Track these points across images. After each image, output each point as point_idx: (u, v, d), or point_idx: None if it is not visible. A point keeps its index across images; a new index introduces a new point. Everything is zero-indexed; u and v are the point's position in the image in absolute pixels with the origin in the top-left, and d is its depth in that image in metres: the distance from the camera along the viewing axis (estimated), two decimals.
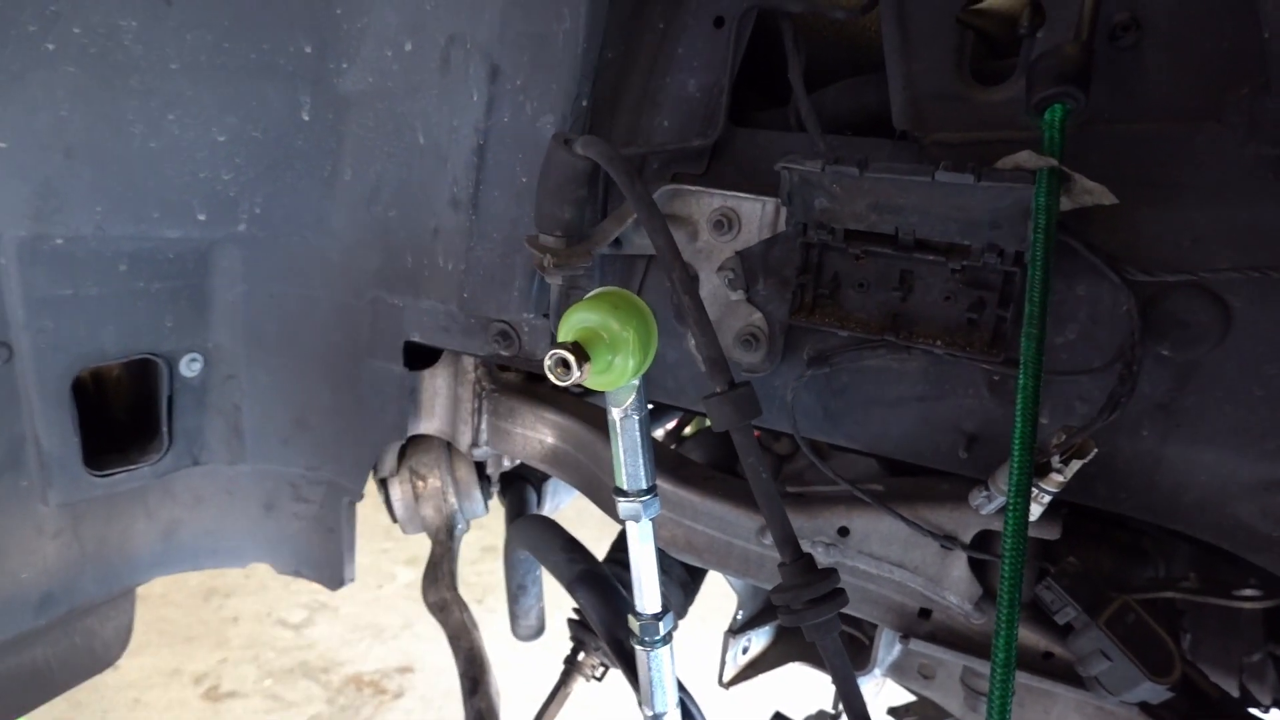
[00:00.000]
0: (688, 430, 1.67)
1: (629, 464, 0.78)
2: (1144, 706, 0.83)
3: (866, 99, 0.86)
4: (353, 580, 1.31)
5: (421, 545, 5.51)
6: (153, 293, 1.08)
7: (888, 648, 0.99)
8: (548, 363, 0.67)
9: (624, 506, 0.79)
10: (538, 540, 1.08)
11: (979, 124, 0.77)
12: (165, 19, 0.91)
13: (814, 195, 0.77)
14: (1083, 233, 0.70)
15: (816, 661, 1.15)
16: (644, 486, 0.79)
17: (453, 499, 1.22)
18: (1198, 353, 0.71)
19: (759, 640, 1.16)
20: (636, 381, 0.75)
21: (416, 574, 5.23)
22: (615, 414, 0.77)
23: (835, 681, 0.71)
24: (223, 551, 1.29)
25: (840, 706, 1.00)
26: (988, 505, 0.79)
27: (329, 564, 1.28)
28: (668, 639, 0.84)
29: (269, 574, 5.72)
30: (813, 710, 1.34)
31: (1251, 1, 0.61)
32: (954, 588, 0.87)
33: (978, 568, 0.87)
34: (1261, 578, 0.83)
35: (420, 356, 1.17)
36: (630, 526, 0.80)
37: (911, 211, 0.74)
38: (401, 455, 1.26)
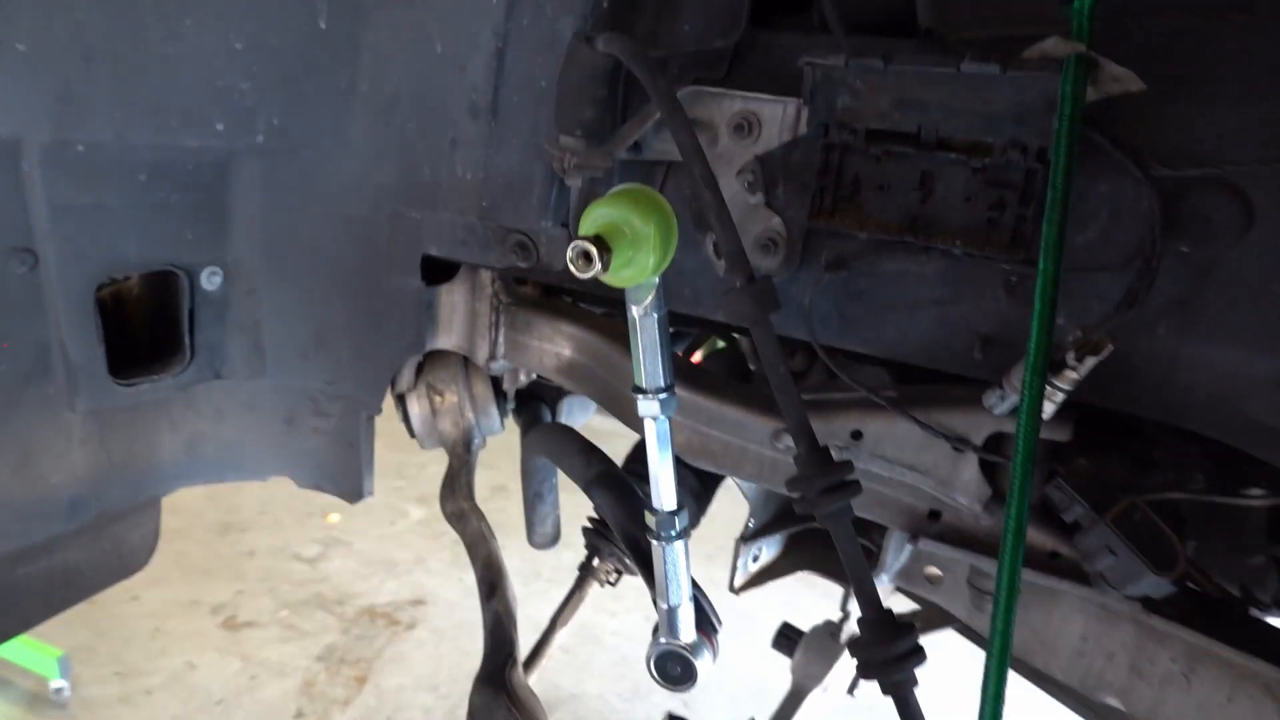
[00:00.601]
0: (696, 357, 1.69)
1: (648, 362, 0.80)
2: (1146, 602, 0.86)
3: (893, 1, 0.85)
4: (371, 494, 1.34)
5: (432, 485, 5.60)
6: (173, 204, 1.09)
7: (895, 553, 1.02)
8: (570, 254, 0.68)
9: (643, 404, 0.81)
10: (555, 445, 1.10)
11: (1006, 19, 0.76)
12: None
13: (837, 92, 0.77)
14: (1107, 127, 0.70)
15: (825, 570, 1.17)
16: (662, 384, 0.80)
17: (470, 414, 1.24)
18: (1218, 249, 0.72)
19: (769, 549, 1.18)
20: (656, 279, 0.76)
21: (429, 511, 5.32)
22: (635, 312, 0.78)
23: (848, 568, 0.73)
24: (244, 465, 1.32)
25: (848, 607, 1.03)
26: (1001, 405, 0.81)
27: (348, 477, 1.30)
28: (683, 535, 0.87)
29: (284, 510, 5.82)
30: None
31: None
32: (964, 489, 0.89)
33: (988, 470, 0.89)
34: (1267, 482, 0.84)
35: (438, 271, 1.18)
36: (648, 424, 0.82)
37: (935, 108, 0.73)
38: (419, 371, 1.28)
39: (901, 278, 0.86)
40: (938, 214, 0.80)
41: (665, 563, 0.87)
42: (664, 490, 0.84)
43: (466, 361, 1.26)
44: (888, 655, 0.71)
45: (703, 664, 0.90)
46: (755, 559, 1.16)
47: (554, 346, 1.12)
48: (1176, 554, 0.82)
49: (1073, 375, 0.75)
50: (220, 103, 1.03)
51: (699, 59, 0.87)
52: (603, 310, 1.20)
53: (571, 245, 0.68)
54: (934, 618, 1.14)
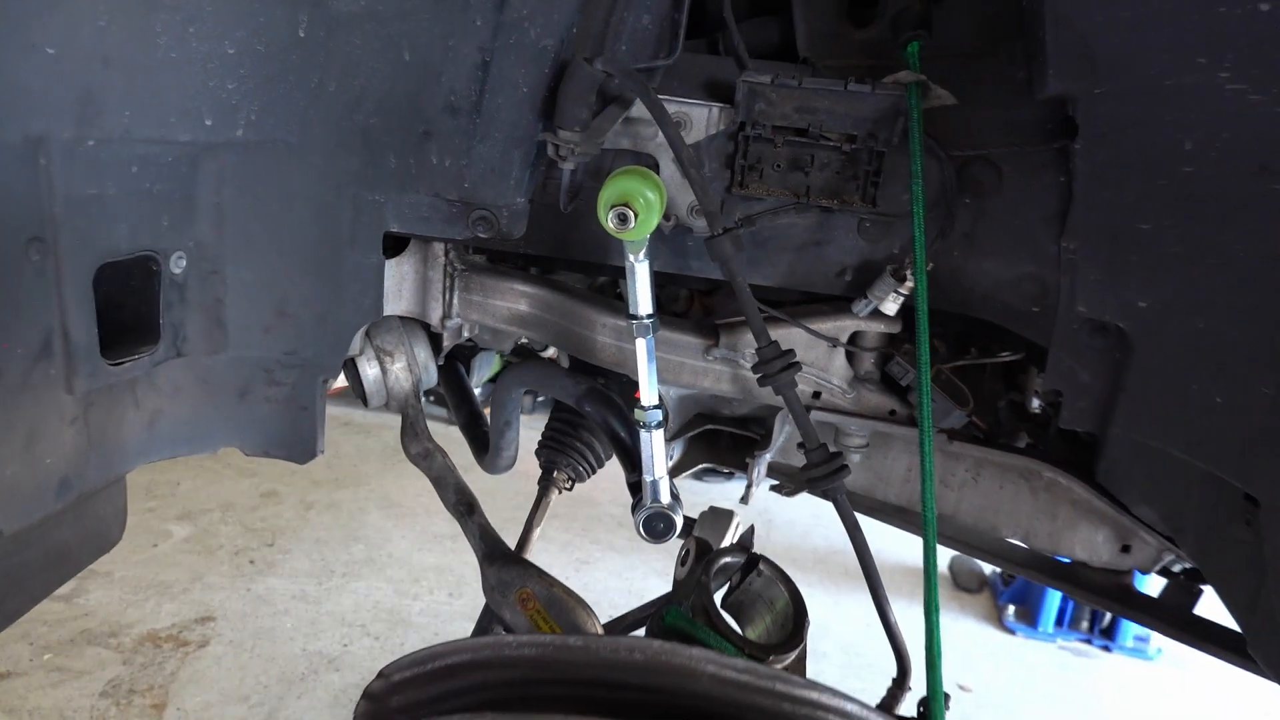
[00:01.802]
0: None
1: (640, 297, 1.11)
2: (950, 432, 1.32)
3: (769, 33, 1.23)
4: (323, 453, 1.49)
5: (190, 501, 5.26)
6: (155, 193, 1.19)
7: (779, 433, 1.41)
8: (612, 217, 0.98)
9: (637, 327, 1.12)
10: (542, 374, 1.36)
11: (853, 53, 1.16)
12: None
13: (756, 101, 1.12)
14: (925, 125, 1.13)
15: (718, 460, 1.55)
16: (650, 311, 1.12)
17: (416, 369, 1.44)
18: (985, 200, 1.18)
19: (678, 449, 1.53)
20: (649, 235, 1.08)
21: (193, 528, 5.03)
22: (632, 258, 1.09)
23: (796, 420, 1.11)
24: (196, 438, 1.41)
25: (748, 486, 1.40)
26: (864, 309, 1.22)
27: (300, 440, 1.45)
28: (660, 425, 1.19)
29: None
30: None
31: None
32: (836, 374, 1.30)
33: (849, 358, 1.31)
34: (1013, 346, 1.34)
35: (388, 246, 1.37)
36: (639, 342, 1.13)
37: (822, 112, 1.12)
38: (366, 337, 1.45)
39: (790, 228, 1.25)
40: (816, 183, 1.20)
41: (650, 446, 1.18)
42: (649, 391, 1.16)
43: (406, 323, 1.46)
44: (826, 472, 1.09)
45: (678, 519, 1.23)
46: (671, 458, 1.49)
47: (506, 302, 1.37)
48: (968, 397, 1.29)
49: (909, 284, 1.18)
50: (210, 100, 1.16)
51: (644, 73, 1.18)
52: (537, 271, 1.47)
53: (613, 210, 0.97)
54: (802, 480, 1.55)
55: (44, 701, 3.70)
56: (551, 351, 1.78)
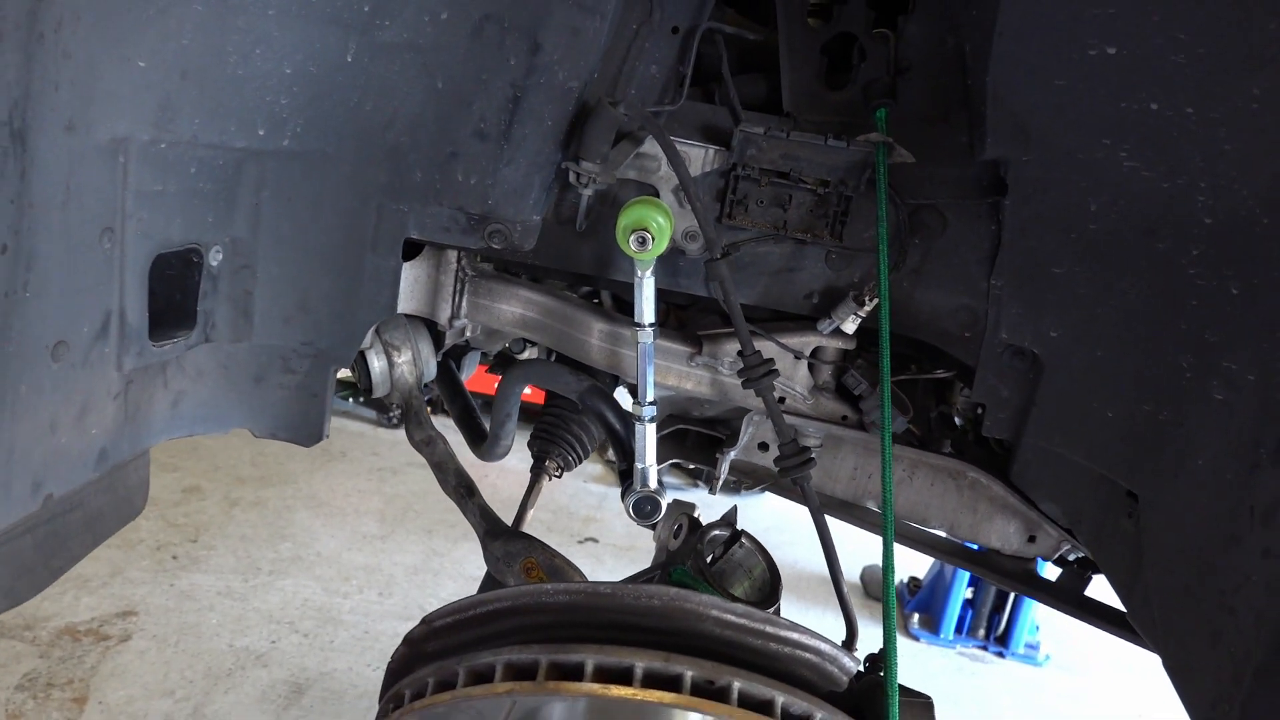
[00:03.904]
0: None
1: (645, 305, 1.29)
2: (894, 436, 1.54)
3: (759, 88, 1.44)
4: (327, 437, 1.62)
5: None
6: (205, 192, 1.31)
7: (746, 433, 1.61)
8: (633, 240, 1.16)
9: (641, 334, 1.30)
10: (546, 371, 1.52)
11: (828, 110, 1.38)
12: None
13: (749, 147, 1.33)
14: (888, 177, 1.35)
15: (685, 456, 1.74)
16: (653, 320, 1.30)
17: (420, 365, 1.59)
18: (931, 242, 1.41)
19: None
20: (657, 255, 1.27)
21: None
22: (641, 274, 1.27)
23: (771, 415, 1.31)
24: (212, 419, 1.52)
25: (715, 476, 1.59)
26: (829, 327, 1.44)
27: (307, 424, 1.58)
28: (654, 419, 1.37)
29: None
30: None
31: (963, 59, 1.29)
32: (799, 382, 1.51)
33: (811, 370, 1.52)
34: (947, 364, 1.57)
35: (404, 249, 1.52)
36: (641, 346, 1.31)
37: (803, 160, 1.33)
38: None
39: (768, 255, 1.45)
40: (793, 218, 1.41)
41: (643, 437, 1.37)
42: (647, 389, 1.34)
43: (411, 320, 1.61)
44: (796, 463, 1.29)
45: (664, 502, 1.41)
46: None
47: (511, 306, 1.53)
48: (908, 406, 1.51)
49: (867, 306, 1.40)
50: (265, 113, 1.30)
51: (652, 115, 1.37)
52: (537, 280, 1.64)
53: (635, 233, 1.16)
54: (762, 476, 1.75)
55: None
56: (529, 353, 1.94)
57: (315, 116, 1.36)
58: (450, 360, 1.77)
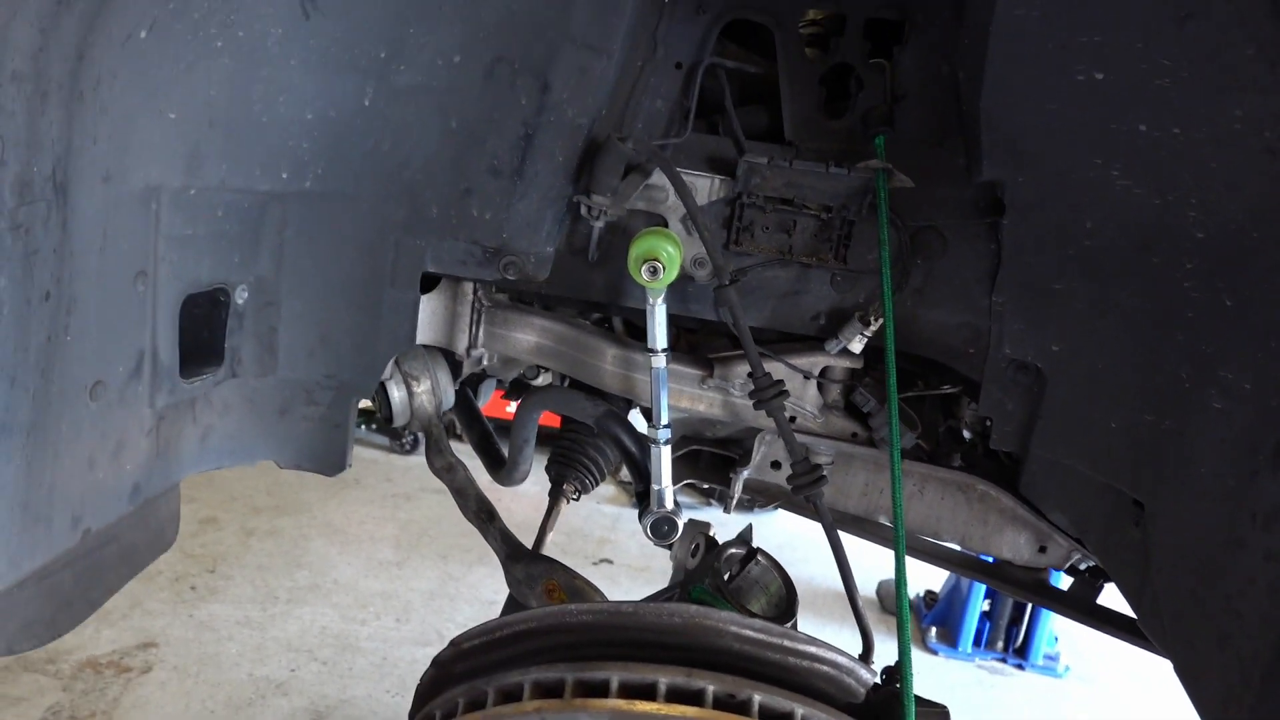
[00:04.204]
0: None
1: (658, 331, 1.33)
2: (903, 452, 1.58)
3: (760, 119, 1.49)
4: (350, 466, 1.66)
5: None
6: (231, 234, 1.37)
7: (758, 448, 1.65)
8: (644, 269, 1.21)
9: (655, 359, 1.34)
10: (563, 397, 1.56)
11: (828, 138, 1.43)
12: (301, 28, 1.24)
13: (753, 176, 1.38)
14: (889, 201, 1.40)
15: (700, 477, 1.78)
16: (665, 345, 1.35)
17: (438, 394, 1.63)
18: (933, 263, 1.45)
19: None
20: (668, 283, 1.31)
21: None
22: (653, 301, 1.32)
23: (784, 438, 1.34)
24: (240, 451, 1.57)
25: (730, 497, 1.63)
26: (836, 347, 1.48)
27: (331, 455, 1.62)
28: (669, 441, 1.41)
29: None
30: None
31: (958, 85, 1.34)
32: (809, 401, 1.55)
33: (820, 388, 1.56)
34: (953, 380, 1.61)
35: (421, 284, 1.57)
36: (655, 370, 1.35)
37: (806, 187, 1.38)
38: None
39: (775, 279, 1.50)
40: (797, 243, 1.45)
41: (659, 460, 1.41)
42: (661, 413, 1.38)
43: (429, 352, 1.65)
44: (809, 481, 1.33)
45: (681, 523, 1.45)
46: None
47: (526, 335, 1.58)
48: (916, 422, 1.55)
49: (873, 326, 1.44)
50: (288, 157, 1.35)
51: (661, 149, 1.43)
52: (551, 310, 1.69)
53: (647, 263, 1.20)
54: (775, 494, 1.78)
55: None
56: (543, 379, 1.98)
57: (335, 158, 1.42)
58: (467, 388, 1.82)
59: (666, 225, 1.45)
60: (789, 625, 1.24)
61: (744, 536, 1.39)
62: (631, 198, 1.36)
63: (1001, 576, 1.67)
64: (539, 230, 1.43)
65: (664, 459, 1.41)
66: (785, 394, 1.35)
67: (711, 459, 1.81)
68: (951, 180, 1.40)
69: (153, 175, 1.18)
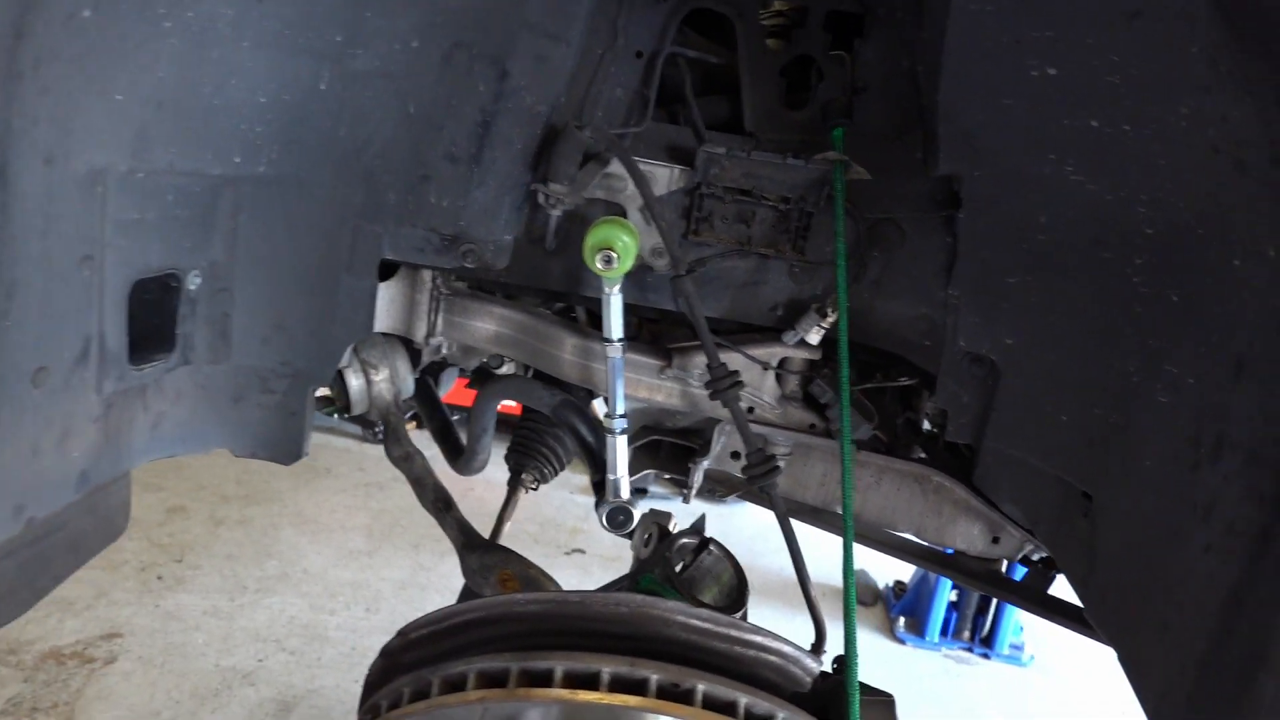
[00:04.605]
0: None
1: (614, 321, 1.33)
2: (859, 443, 1.59)
3: (721, 109, 1.48)
4: (307, 455, 1.64)
5: None
6: (182, 219, 1.34)
7: (717, 443, 1.65)
8: (599, 259, 1.20)
9: (610, 349, 1.34)
10: (519, 386, 1.55)
11: (789, 130, 1.43)
12: (253, 9, 1.22)
13: (712, 166, 1.37)
14: (846, 193, 1.40)
15: (661, 467, 1.78)
16: (621, 335, 1.34)
17: (397, 382, 1.62)
18: (890, 254, 1.45)
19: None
20: (623, 273, 1.31)
21: None
22: (608, 291, 1.31)
23: (739, 427, 1.35)
24: (193, 439, 1.55)
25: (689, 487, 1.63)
26: (793, 338, 1.48)
27: (287, 443, 1.61)
28: (624, 431, 1.41)
29: None
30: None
31: (916, 79, 1.34)
32: (767, 392, 1.56)
33: (778, 379, 1.56)
34: (911, 372, 1.62)
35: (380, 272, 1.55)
36: (611, 361, 1.35)
37: (764, 178, 1.38)
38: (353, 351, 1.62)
39: (733, 270, 1.50)
40: (756, 234, 1.45)
41: (614, 450, 1.40)
42: (617, 403, 1.38)
43: (388, 339, 1.64)
44: (763, 471, 1.34)
45: (637, 513, 1.45)
46: None
47: (485, 323, 1.57)
48: (873, 413, 1.56)
49: (831, 318, 1.45)
50: (240, 141, 1.33)
51: (618, 137, 1.42)
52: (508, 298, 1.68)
53: (600, 252, 1.20)
54: (735, 485, 1.79)
55: None
56: (507, 368, 1.98)
57: (290, 143, 1.40)
58: (428, 376, 1.80)
59: (625, 214, 1.44)
60: (739, 615, 1.24)
61: (697, 527, 1.40)
62: (589, 186, 1.36)
63: (957, 567, 1.69)
64: (497, 218, 1.42)
65: (620, 449, 1.41)
66: (740, 384, 1.35)
67: (673, 449, 1.81)
68: (910, 173, 1.41)
69: (98, 158, 1.16)
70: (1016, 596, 1.68)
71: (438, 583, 5.00)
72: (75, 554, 1.34)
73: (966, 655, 5.05)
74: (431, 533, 5.67)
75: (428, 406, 1.86)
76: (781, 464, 1.61)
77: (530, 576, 1.35)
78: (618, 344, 1.33)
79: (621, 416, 1.39)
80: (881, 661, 4.87)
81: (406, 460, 1.57)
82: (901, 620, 5.03)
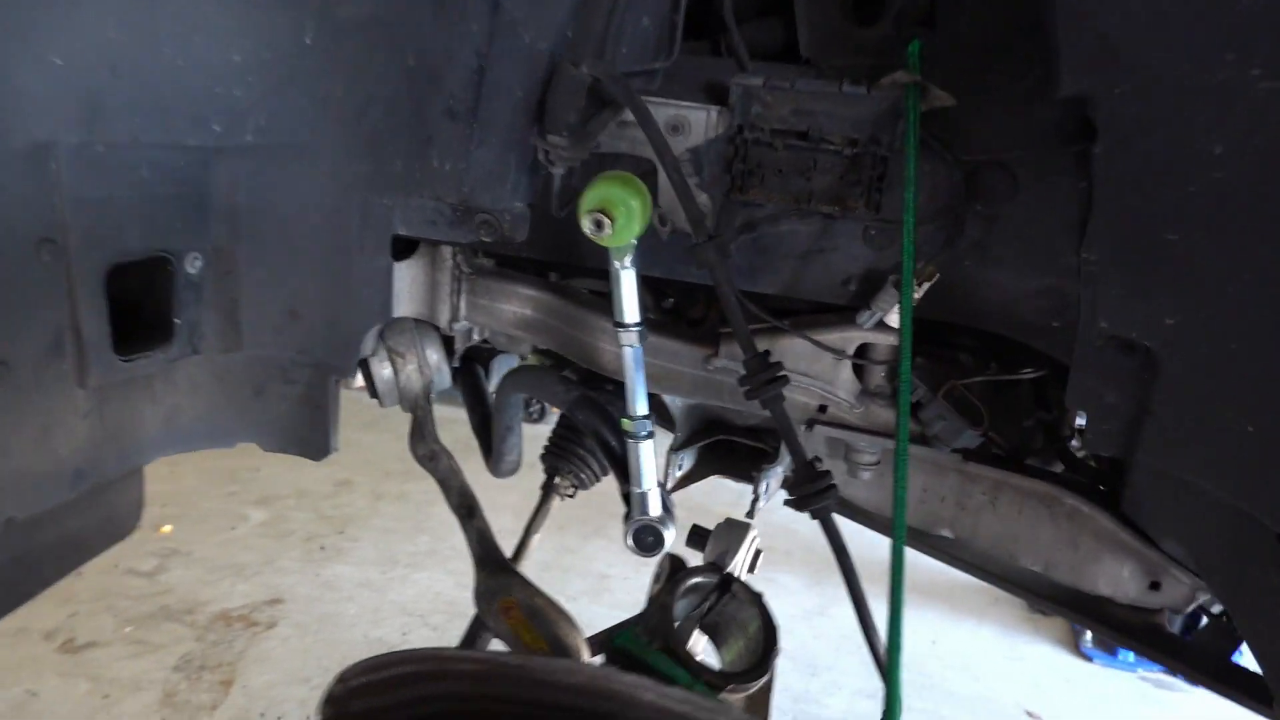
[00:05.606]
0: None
1: (626, 303, 1.08)
2: (964, 453, 1.25)
3: (773, 34, 1.18)
4: (336, 450, 1.51)
5: (268, 487, 5.48)
6: (167, 196, 1.23)
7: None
8: (587, 222, 0.95)
9: (623, 335, 1.09)
10: (536, 380, 1.35)
11: (857, 53, 1.11)
12: None
13: (752, 103, 1.08)
14: (930, 127, 1.06)
15: (728, 473, 1.51)
16: (637, 320, 1.09)
17: (428, 372, 1.45)
18: (999, 207, 1.10)
19: (688, 460, 1.50)
20: (634, 240, 1.05)
21: (270, 513, 5.23)
22: (616, 265, 1.06)
23: (782, 433, 1.06)
24: (215, 433, 1.46)
25: (758, 490, 1.36)
26: (869, 321, 1.16)
27: (314, 437, 1.48)
28: (650, 435, 1.16)
29: None
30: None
31: None
32: (843, 387, 1.25)
33: (858, 371, 1.25)
34: (1033, 363, 1.26)
35: (396, 250, 1.38)
36: (626, 350, 1.10)
37: (820, 114, 1.07)
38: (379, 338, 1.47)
39: (793, 235, 1.20)
40: (818, 188, 1.14)
41: (638, 456, 1.16)
42: (638, 400, 1.13)
43: (418, 325, 1.47)
44: (814, 490, 1.04)
45: (668, 534, 1.20)
46: (680, 467, 1.46)
47: (511, 306, 1.37)
48: (982, 416, 1.21)
49: (915, 295, 1.12)
50: (218, 107, 1.19)
51: (641, 75, 1.16)
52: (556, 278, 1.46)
53: (589, 215, 0.95)
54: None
55: (122, 673, 3.92)
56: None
57: (280, 107, 1.25)
58: (475, 365, 1.63)
59: (655, 171, 1.18)
60: (762, 679, 0.97)
61: (719, 562, 1.13)
62: (597, 138, 1.11)
63: (1101, 617, 1.30)
64: (503, 182, 1.20)
65: (644, 456, 1.15)
66: (781, 379, 1.06)
67: (749, 451, 1.53)
68: (1021, 98, 1.05)
69: (40, 130, 1.05)
70: (1181, 662, 1.27)
71: (580, 565, 4.94)
72: (71, 554, 1.27)
73: (1168, 679, 4.35)
74: (578, 514, 5.64)
75: (471, 398, 1.68)
76: (868, 474, 1.30)
77: (535, 607, 1.14)
78: (633, 329, 1.08)
79: (645, 418, 1.13)
80: (1063, 681, 4.29)
81: (431, 459, 1.41)
82: (1089, 634, 4.40)
